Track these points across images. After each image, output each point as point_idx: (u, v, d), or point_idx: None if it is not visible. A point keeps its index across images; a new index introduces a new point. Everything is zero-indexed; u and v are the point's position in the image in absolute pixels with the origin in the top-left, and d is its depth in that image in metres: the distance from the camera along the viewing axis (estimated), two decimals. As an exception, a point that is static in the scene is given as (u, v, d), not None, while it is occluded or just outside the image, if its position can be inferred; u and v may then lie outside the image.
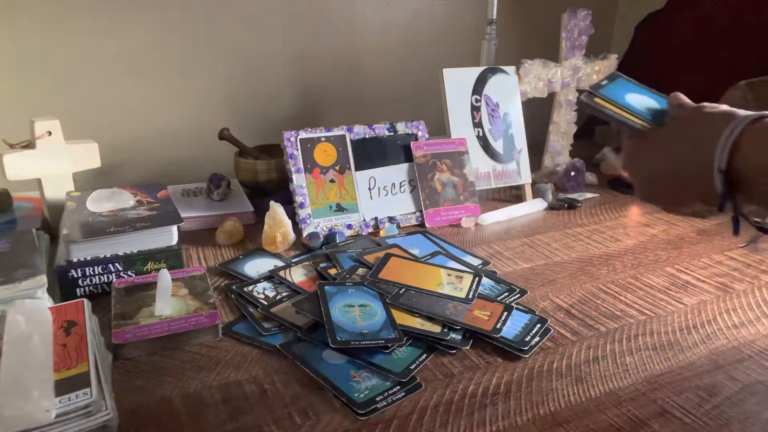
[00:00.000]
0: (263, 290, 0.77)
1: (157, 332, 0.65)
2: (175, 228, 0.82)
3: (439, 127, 1.12)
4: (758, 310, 0.77)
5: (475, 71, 1.12)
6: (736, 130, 0.49)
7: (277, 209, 0.91)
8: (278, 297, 0.76)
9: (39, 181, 0.91)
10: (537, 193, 1.16)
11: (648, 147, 0.59)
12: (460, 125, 1.10)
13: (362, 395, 0.58)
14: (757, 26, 1.26)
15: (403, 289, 0.75)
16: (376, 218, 1.00)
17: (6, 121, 1.04)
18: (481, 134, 1.12)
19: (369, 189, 1.01)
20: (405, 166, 1.04)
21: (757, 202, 0.51)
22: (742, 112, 0.51)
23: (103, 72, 1.12)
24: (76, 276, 0.76)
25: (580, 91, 1.21)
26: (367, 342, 0.64)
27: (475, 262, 0.88)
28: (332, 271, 0.81)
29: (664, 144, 0.57)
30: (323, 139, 0.99)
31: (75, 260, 0.76)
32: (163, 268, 0.79)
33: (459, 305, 0.73)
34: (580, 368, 0.64)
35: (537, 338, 0.68)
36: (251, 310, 0.73)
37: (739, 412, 0.57)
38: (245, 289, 0.77)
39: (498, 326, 0.69)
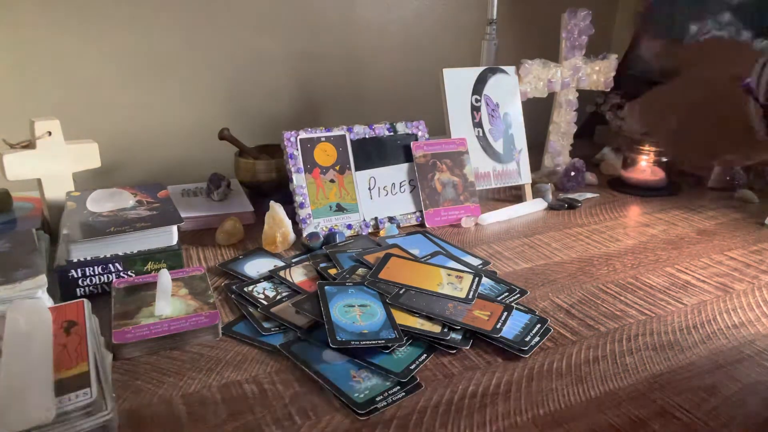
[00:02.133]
0: (263, 290, 0.77)
1: (157, 332, 0.65)
2: (175, 228, 0.82)
3: (439, 127, 1.12)
4: (758, 310, 0.77)
5: (475, 71, 1.12)
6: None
7: (277, 209, 0.91)
8: (278, 297, 0.76)
9: (39, 181, 0.91)
10: (537, 193, 1.16)
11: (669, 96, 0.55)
12: (460, 125, 1.10)
13: (362, 395, 0.58)
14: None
15: (403, 289, 0.75)
16: (376, 218, 1.00)
17: (6, 121, 1.04)
18: (481, 134, 1.12)
19: (369, 189, 1.01)
20: (405, 166, 1.04)
21: None
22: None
23: (103, 72, 1.13)
24: (76, 276, 0.75)
25: None
26: (367, 342, 0.64)
27: (475, 262, 0.88)
28: (332, 271, 0.81)
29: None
30: (323, 139, 0.99)
31: (75, 260, 0.76)
32: (163, 268, 0.79)
33: (459, 305, 0.72)
34: (580, 368, 0.64)
35: (537, 338, 0.68)
36: (251, 310, 0.73)
37: (739, 412, 0.57)
38: (245, 289, 0.77)
39: (498, 326, 0.69)
